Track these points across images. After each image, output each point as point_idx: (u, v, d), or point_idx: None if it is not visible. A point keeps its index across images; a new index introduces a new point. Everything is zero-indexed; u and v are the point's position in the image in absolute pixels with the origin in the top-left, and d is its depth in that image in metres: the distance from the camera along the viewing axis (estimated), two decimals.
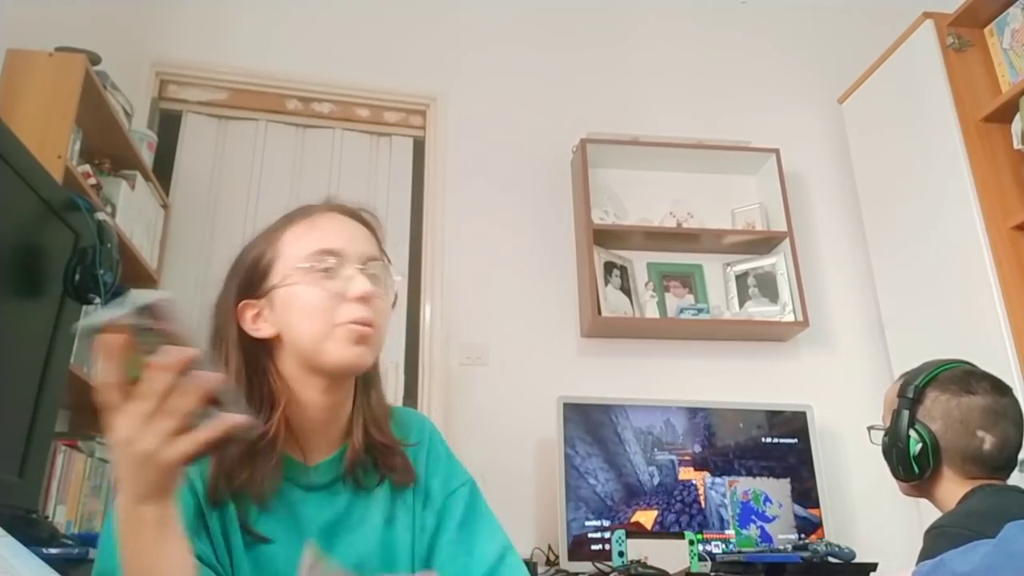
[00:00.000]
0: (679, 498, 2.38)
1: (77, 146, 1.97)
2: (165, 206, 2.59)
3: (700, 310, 2.78)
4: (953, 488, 1.33)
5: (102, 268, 1.53)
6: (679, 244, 2.95)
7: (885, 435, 1.43)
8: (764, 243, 2.93)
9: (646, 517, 2.34)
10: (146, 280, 2.44)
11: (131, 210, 2.26)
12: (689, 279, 2.95)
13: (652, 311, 2.80)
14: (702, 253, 2.98)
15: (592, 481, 2.36)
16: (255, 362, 0.95)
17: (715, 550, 2.27)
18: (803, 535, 2.30)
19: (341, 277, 0.94)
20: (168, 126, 2.86)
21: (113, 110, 2.13)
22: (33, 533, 1.33)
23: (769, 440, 2.51)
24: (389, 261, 1.02)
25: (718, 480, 2.40)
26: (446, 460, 1.06)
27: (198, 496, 0.89)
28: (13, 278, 1.37)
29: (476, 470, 2.69)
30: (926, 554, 1.15)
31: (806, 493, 2.43)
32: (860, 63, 2.90)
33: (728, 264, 2.97)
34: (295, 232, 0.97)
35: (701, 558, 2.09)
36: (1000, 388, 1.36)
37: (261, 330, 0.95)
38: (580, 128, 2.96)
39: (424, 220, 2.90)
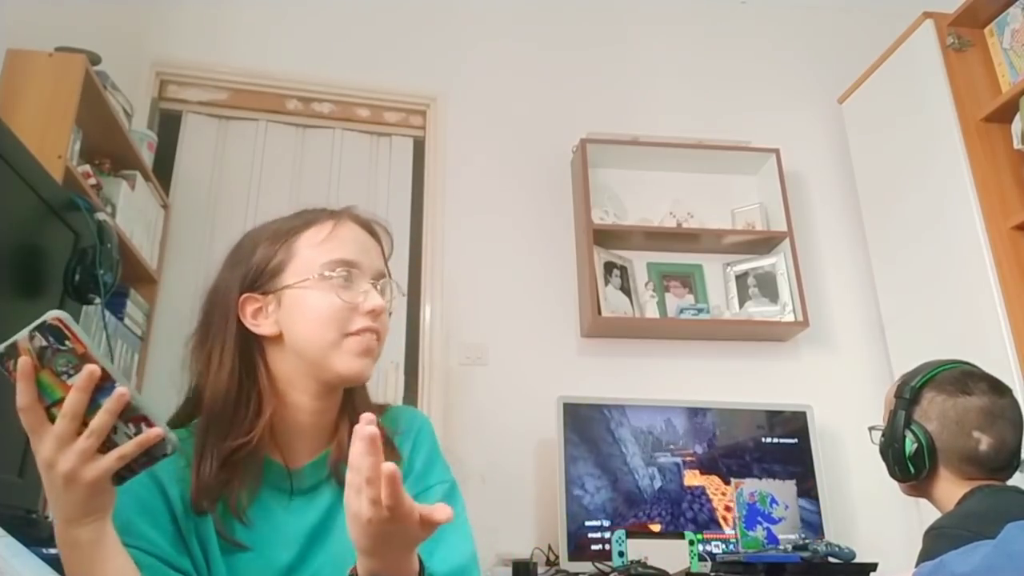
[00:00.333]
0: (680, 500, 2.38)
1: (77, 146, 1.97)
2: (165, 206, 2.59)
3: (700, 310, 2.78)
4: (951, 489, 1.33)
5: (102, 268, 1.53)
6: (679, 244, 2.95)
7: (882, 435, 1.43)
8: (764, 243, 2.93)
9: (648, 520, 2.34)
10: (146, 280, 2.44)
11: (131, 210, 2.26)
12: (689, 279, 2.95)
13: (652, 311, 2.79)
14: (702, 253, 2.98)
15: (592, 481, 2.36)
16: (248, 358, 0.95)
17: (715, 550, 2.27)
18: (809, 536, 2.29)
19: (356, 289, 0.94)
20: (168, 126, 2.86)
21: (113, 110, 2.13)
22: (33, 533, 1.33)
23: (769, 440, 2.51)
24: (390, 275, 1.02)
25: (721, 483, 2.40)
26: (429, 455, 1.03)
27: (173, 507, 0.88)
28: (13, 278, 1.37)
29: (476, 470, 2.70)
30: (926, 555, 1.15)
31: (807, 493, 2.43)
32: (860, 63, 2.90)
33: (728, 264, 2.97)
34: (314, 236, 0.97)
35: (701, 558, 2.09)
36: (998, 389, 1.36)
37: (261, 326, 0.94)
38: (580, 128, 2.96)
39: (424, 220, 2.90)
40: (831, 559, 1.97)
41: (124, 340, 2.15)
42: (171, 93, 2.89)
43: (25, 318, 1.43)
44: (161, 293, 2.54)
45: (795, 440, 2.52)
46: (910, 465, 1.35)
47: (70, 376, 0.68)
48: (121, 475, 0.72)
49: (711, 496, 2.41)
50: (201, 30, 2.95)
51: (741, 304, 2.88)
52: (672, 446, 2.45)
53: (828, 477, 2.51)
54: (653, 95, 3.19)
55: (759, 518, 2.15)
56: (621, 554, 2.09)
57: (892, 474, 1.42)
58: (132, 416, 0.70)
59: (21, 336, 0.67)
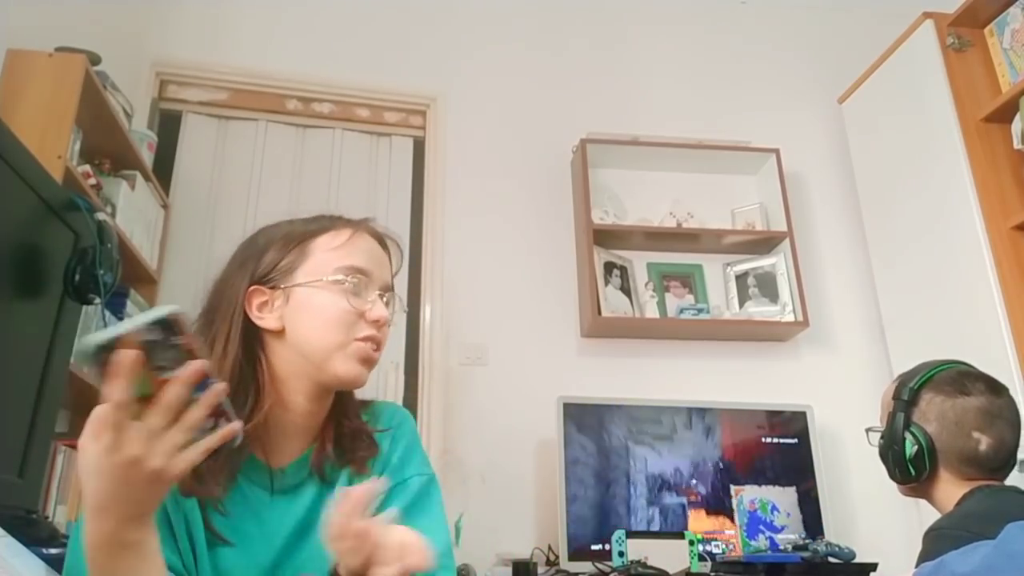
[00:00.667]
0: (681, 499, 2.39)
1: (77, 146, 1.97)
2: (165, 206, 2.59)
3: (700, 310, 2.78)
4: (951, 489, 1.33)
5: (102, 268, 1.52)
6: (679, 244, 2.95)
7: (881, 438, 1.43)
8: (764, 243, 2.93)
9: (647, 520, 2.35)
10: (146, 280, 2.44)
11: (131, 210, 2.26)
12: (689, 279, 2.95)
13: (652, 311, 2.79)
14: (702, 253, 2.98)
15: (592, 481, 2.36)
16: (250, 350, 0.96)
17: (715, 550, 2.27)
18: (809, 536, 2.29)
19: (364, 297, 0.97)
20: (168, 126, 2.86)
21: (113, 110, 2.13)
22: (33, 533, 1.33)
23: (769, 440, 2.51)
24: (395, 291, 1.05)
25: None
26: (407, 449, 1.05)
27: (165, 502, 0.87)
28: (13, 278, 1.37)
29: (476, 470, 2.70)
30: (925, 556, 1.15)
31: (807, 493, 2.43)
32: (860, 63, 2.90)
33: (728, 264, 2.97)
34: (331, 240, 0.99)
35: (701, 558, 2.09)
36: (995, 388, 1.36)
37: (266, 320, 0.96)
38: (580, 128, 2.96)
39: (424, 220, 2.90)
40: (831, 559, 1.97)
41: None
42: (171, 93, 2.89)
43: (25, 318, 1.43)
44: (161, 293, 2.54)
45: (795, 440, 2.52)
46: (910, 467, 1.35)
47: (166, 371, 0.66)
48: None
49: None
50: (201, 30, 2.95)
51: (741, 304, 2.88)
52: (671, 446, 2.45)
53: (828, 477, 2.51)
54: (653, 95, 3.19)
55: (761, 526, 2.15)
56: (621, 554, 2.09)
57: (892, 476, 1.42)
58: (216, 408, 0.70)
59: (131, 328, 0.64)
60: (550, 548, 2.40)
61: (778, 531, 2.14)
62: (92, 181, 2.03)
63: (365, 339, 0.96)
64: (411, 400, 2.65)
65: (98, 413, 0.65)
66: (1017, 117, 2.30)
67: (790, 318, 2.77)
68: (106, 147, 2.19)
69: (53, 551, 1.28)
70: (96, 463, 0.66)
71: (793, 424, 2.55)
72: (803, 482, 2.44)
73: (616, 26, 3.30)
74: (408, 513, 0.96)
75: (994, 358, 2.16)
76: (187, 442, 0.68)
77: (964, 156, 2.38)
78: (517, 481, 2.54)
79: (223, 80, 2.92)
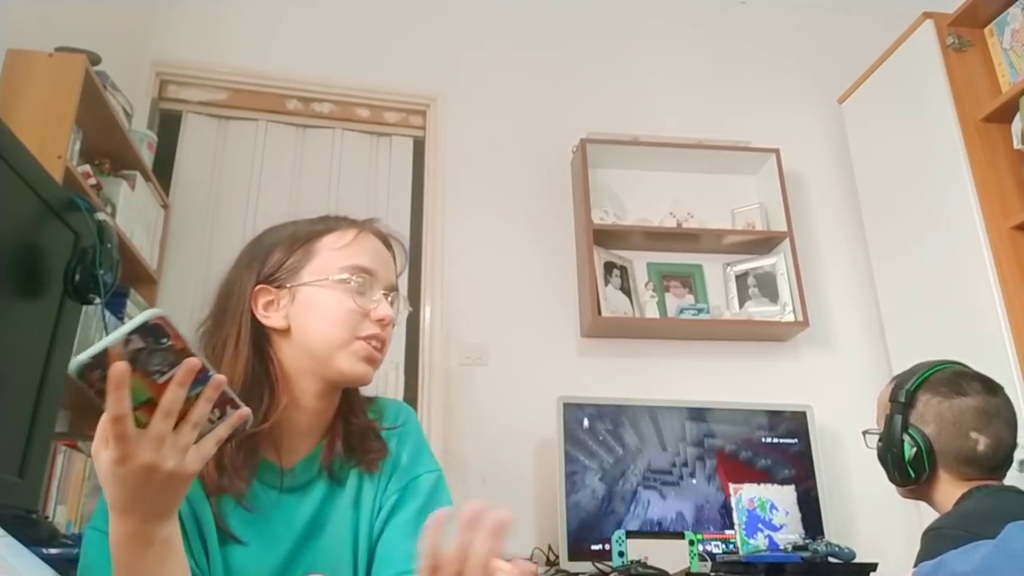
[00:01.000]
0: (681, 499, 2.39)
1: (77, 146, 1.97)
2: (165, 206, 2.59)
3: (700, 310, 2.78)
4: (950, 490, 1.33)
5: (102, 268, 1.53)
6: (679, 244, 2.95)
7: (879, 440, 1.43)
8: (764, 243, 2.93)
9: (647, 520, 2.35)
10: (146, 280, 2.44)
11: (131, 210, 2.26)
12: (689, 279, 2.95)
13: (652, 311, 2.79)
14: (702, 253, 2.98)
15: (592, 481, 2.36)
16: (260, 350, 0.97)
17: (715, 550, 2.27)
18: (811, 535, 2.29)
19: (369, 297, 0.98)
20: (168, 126, 2.86)
21: (113, 110, 2.13)
22: (33, 533, 1.33)
23: (769, 440, 2.51)
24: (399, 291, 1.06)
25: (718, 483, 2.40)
26: (417, 445, 1.06)
27: None
28: (13, 278, 1.37)
29: (476, 470, 2.70)
30: (924, 555, 1.15)
31: (807, 493, 2.43)
32: (860, 63, 2.90)
33: (728, 264, 2.97)
34: (336, 240, 1.00)
35: (701, 558, 2.09)
36: (991, 388, 1.36)
37: (271, 318, 0.97)
38: (580, 128, 2.96)
39: (424, 220, 2.90)
40: (831, 559, 1.97)
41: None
42: (171, 93, 2.89)
43: (25, 318, 1.43)
44: (161, 293, 2.54)
45: (795, 440, 2.52)
46: (909, 469, 1.35)
47: (162, 375, 0.65)
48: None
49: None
50: (201, 30, 2.95)
51: (741, 304, 2.88)
52: (672, 446, 2.45)
53: (828, 477, 2.51)
54: (653, 95, 3.19)
55: (760, 525, 2.15)
56: (621, 554, 2.09)
57: (892, 479, 1.42)
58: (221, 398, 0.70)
59: (113, 342, 0.63)
60: (550, 548, 2.40)
61: (777, 530, 2.14)
62: (92, 181, 2.02)
63: (369, 338, 0.97)
64: (411, 400, 2.65)
65: (104, 423, 0.66)
66: (1017, 117, 2.30)
67: (790, 318, 2.77)
68: (106, 147, 2.19)
69: (53, 551, 1.29)
70: (111, 472, 0.66)
71: (793, 424, 2.55)
72: (803, 482, 2.44)
73: (616, 26, 3.30)
74: (423, 512, 0.97)
75: (994, 358, 2.16)
76: (198, 437, 0.68)
77: (964, 156, 2.38)
78: (517, 481, 2.54)
79: (223, 80, 2.92)
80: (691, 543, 2.11)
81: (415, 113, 3.06)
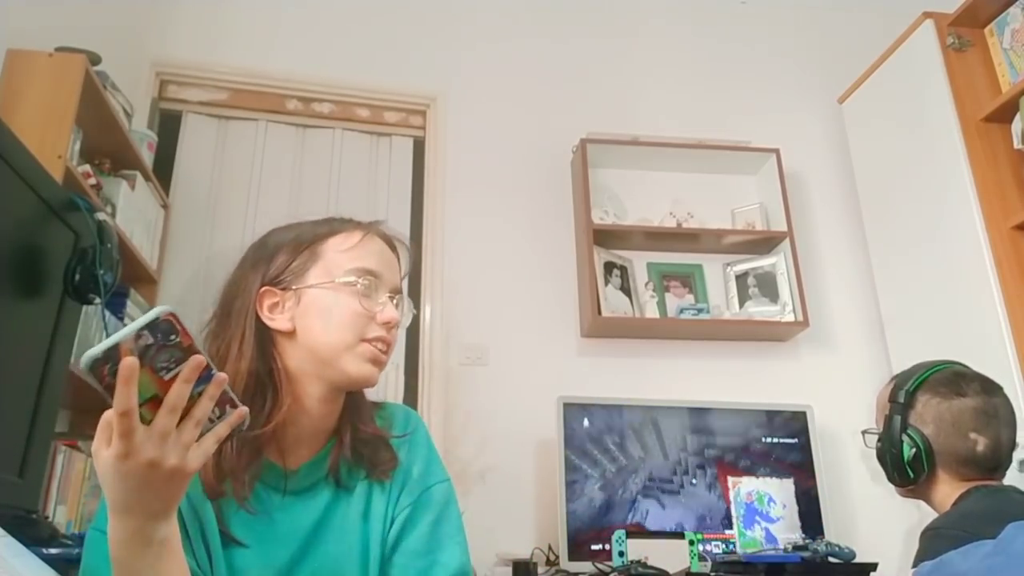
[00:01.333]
0: (683, 498, 2.39)
1: (77, 146, 1.97)
2: (165, 206, 2.59)
3: (700, 310, 2.78)
4: (948, 490, 1.34)
5: (102, 268, 1.53)
6: (679, 244, 2.95)
7: (879, 441, 1.43)
8: (764, 243, 2.93)
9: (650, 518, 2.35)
10: (146, 280, 2.44)
11: (131, 210, 2.26)
12: (689, 279, 2.95)
13: (652, 311, 2.79)
14: (702, 253, 2.98)
15: (592, 481, 2.36)
16: (264, 351, 0.96)
17: (715, 550, 2.27)
18: (811, 535, 2.30)
19: (375, 299, 0.98)
20: (168, 126, 2.86)
21: (113, 110, 2.13)
22: (33, 533, 1.33)
23: (769, 440, 2.51)
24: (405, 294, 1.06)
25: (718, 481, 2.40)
26: (428, 453, 1.06)
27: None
28: (13, 278, 1.37)
29: (476, 470, 2.70)
30: (924, 555, 1.15)
31: (807, 493, 2.43)
32: (860, 63, 2.90)
33: (728, 264, 2.97)
34: (342, 242, 1.00)
35: (701, 558, 2.09)
36: (989, 388, 1.37)
37: (276, 321, 0.97)
38: (580, 128, 2.96)
39: (424, 220, 2.90)
40: (831, 559, 1.96)
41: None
42: (171, 93, 2.89)
43: (25, 318, 1.43)
44: (161, 293, 2.54)
45: (795, 440, 2.52)
46: (909, 469, 1.36)
47: (168, 371, 0.67)
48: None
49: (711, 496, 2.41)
50: (201, 30, 2.95)
51: (741, 304, 2.88)
52: (672, 446, 2.45)
53: (828, 477, 2.51)
54: (653, 95, 3.19)
55: (757, 517, 2.15)
56: (621, 554, 2.09)
57: (891, 479, 1.42)
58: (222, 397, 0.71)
59: (124, 337, 0.65)
60: (550, 548, 2.40)
61: (774, 522, 2.16)
62: (92, 181, 2.02)
63: (375, 340, 0.97)
64: (411, 400, 2.65)
65: (107, 420, 0.66)
66: (1017, 117, 2.30)
67: (790, 318, 2.77)
68: (106, 147, 2.19)
69: (53, 551, 1.29)
70: (113, 469, 0.66)
71: (793, 424, 2.54)
72: (803, 481, 2.44)
73: (616, 26, 3.30)
74: (436, 526, 0.98)
75: (994, 358, 2.16)
76: (199, 436, 0.69)
77: (964, 156, 2.38)
78: (517, 481, 2.54)
79: (223, 80, 2.92)
80: (691, 543, 2.10)
81: (415, 113, 3.06)
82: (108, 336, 0.66)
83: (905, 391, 1.39)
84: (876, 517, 2.62)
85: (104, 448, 0.66)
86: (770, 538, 2.10)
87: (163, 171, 2.65)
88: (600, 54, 3.23)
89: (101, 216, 1.61)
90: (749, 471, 2.44)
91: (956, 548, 0.87)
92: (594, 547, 2.27)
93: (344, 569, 0.95)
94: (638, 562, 2.07)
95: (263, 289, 0.97)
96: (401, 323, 1.02)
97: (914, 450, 1.34)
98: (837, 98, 3.05)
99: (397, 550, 0.98)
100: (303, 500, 0.97)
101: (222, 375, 0.70)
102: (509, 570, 2.18)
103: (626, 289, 2.84)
